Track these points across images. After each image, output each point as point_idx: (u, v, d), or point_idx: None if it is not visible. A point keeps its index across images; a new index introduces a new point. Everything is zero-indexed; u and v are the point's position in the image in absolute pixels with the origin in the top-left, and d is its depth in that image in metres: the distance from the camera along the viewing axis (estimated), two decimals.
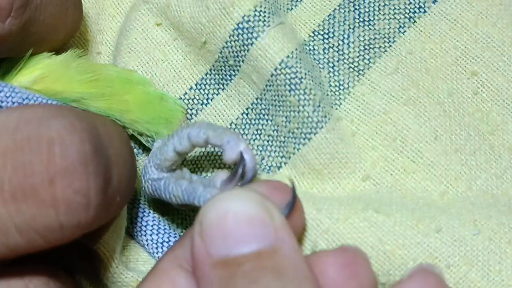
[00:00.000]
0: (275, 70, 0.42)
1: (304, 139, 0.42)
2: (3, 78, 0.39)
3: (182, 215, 0.45)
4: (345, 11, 0.46)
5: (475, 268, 0.38)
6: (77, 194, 0.33)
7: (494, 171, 0.42)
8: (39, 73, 0.39)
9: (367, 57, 0.45)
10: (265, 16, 0.43)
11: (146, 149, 0.46)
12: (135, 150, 0.46)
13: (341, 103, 0.44)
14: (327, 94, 0.44)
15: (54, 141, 0.33)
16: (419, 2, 0.46)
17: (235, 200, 0.34)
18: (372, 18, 0.45)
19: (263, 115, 0.45)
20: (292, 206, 0.37)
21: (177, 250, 0.38)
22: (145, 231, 0.44)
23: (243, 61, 0.44)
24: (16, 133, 0.33)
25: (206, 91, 0.46)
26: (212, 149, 0.45)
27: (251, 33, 0.43)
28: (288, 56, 0.42)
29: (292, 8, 0.46)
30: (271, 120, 0.44)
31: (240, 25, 0.43)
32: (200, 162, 0.45)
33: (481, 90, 0.44)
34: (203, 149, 0.45)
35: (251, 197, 0.34)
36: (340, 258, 0.36)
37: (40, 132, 0.33)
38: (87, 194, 0.33)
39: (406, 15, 0.45)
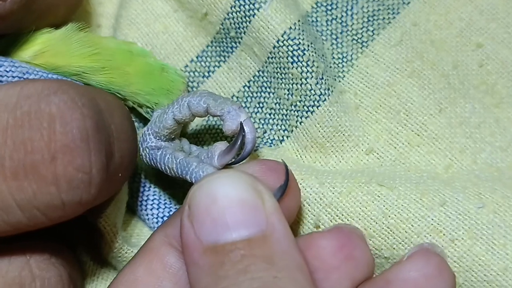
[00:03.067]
0: (277, 42, 0.42)
1: (306, 112, 0.42)
2: (3, 53, 0.38)
3: (184, 189, 0.45)
4: None
5: (480, 242, 0.38)
6: (79, 171, 0.32)
7: (499, 144, 0.42)
8: (39, 48, 0.38)
9: (371, 28, 0.44)
10: None
11: (146, 123, 0.45)
12: (135, 124, 0.45)
13: (344, 76, 0.43)
14: (330, 67, 0.43)
15: (55, 117, 0.32)
16: None
17: (225, 182, 0.32)
18: None
19: (265, 87, 0.44)
20: (284, 189, 0.36)
21: (168, 228, 0.37)
22: (145, 206, 0.44)
23: (244, 32, 0.43)
24: (16, 109, 0.32)
25: (207, 64, 0.45)
26: (213, 122, 0.44)
27: (253, 4, 0.42)
28: (290, 28, 0.42)
29: None
30: (273, 93, 0.43)
31: None
32: (201, 135, 0.45)
33: (486, 63, 0.43)
34: (204, 122, 0.45)
35: (243, 180, 0.33)
36: (335, 240, 0.36)
37: (41, 108, 0.32)
38: (88, 171, 0.32)
39: None
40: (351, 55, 0.44)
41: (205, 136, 0.45)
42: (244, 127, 0.37)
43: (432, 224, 0.38)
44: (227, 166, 0.38)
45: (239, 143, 0.37)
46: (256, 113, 0.44)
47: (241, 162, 0.38)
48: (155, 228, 0.42)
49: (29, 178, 0.32)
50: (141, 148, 0.40)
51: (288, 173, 0.36)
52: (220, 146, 0.39)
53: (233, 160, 0.38)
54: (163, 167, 0.39)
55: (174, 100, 0.40)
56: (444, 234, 0.38)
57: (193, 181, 0.37)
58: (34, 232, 0.34)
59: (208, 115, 0.39)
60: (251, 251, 0.31)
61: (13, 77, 0.37)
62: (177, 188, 0.45)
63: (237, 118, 0.37)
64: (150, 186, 0.44)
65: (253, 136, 0.37)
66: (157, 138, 0.40)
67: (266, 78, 0.44)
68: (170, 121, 0.39)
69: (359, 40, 0.44)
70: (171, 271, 0.36)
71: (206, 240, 0.31)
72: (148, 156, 0.40)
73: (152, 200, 0.44)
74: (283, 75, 0.42)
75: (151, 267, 0.36)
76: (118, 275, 0.37)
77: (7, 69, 0.37)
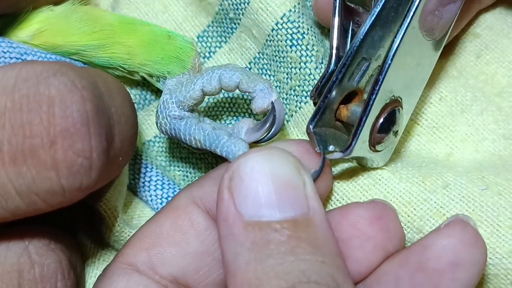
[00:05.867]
0: (276, 24, 0.39)
1: (305, 97, 0.39)
2: (1, 34, 0.36)
3: (184, 171, 0.42)
4: None
5: (484, 225, 0.35)
6: (79, 156, 0.30)
7: (502, 131, 0.39)
8: (38, 27, 0.36)
9: None
10: None
11: (145, 105, 0.43)
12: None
13: None
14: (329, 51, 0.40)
15: (54, 100, 0.29)
16: None
17: (273, 160, 0.30)
18: None
19: (266, 70, 0.41)
20: (319, 174, 0.34)
21: (194, 190, 0.35)
22: (148, 187, 0.41)
23: (243, 14, 0.40)
24: (14, 92, 0.29)
25: (209, 44, 0.42)
26: (225, 100, 0.42)
27: None
28: (290, 10, 0.39)
29: None
30: (273, 76, 0.41)
31: None
32: (212, 109, 0.42)
33: (484, 53, 0.41)
34: (216, 99, 0.42)
35: (289, 160, 0.31)
36: (372, 211, 0.34)
37: (40, 90, 0.29)
38: (89, 156, 0.30)
39: None
40: None
41: (217, 111, 0.42)
42: (275, 107, 0.35)
43: (435, 207, 0.35)
44: (253, 143, 0.36)
45: (270, 122, 0.35)
46: None
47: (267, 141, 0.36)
48: (158, 209, 0.40)
49: (28, 163, 0.29)
50: (160, 116, 0.38)
51: (324, 159, 0.34)
52: (247, 122, 0.37)
53: (261, 138, 0.36)
54: (186, 138, 0.37)
55: (187, 68, 0.38)
56: (447, 218, 0.35)
57: (223, 154, 0.35)
58: (34, 217, 0.32)
59: (236, 90, 0.37)
60: (297, 233, 0.29)
61: (11, 58, 0.35)
62: (178, 171, 0.43)
63: (269, 97, 0.35)
64: (153, 167, 0.42)
65: (283, 116, 0.35)
66: (180, 107, 0.37)
67: (266, 60, 0.41)
68: (198, 92, 0.37)
69: None
70: (198, 229, 0.34)
71: (249, 215, 0.30)
72: (168, 125, 0.37)
73: (156, 181, 0.42)
74: (281, 58, 0.39)
75: (178, 223, 0.35)
76: (142, 228, 0.35)
77: (5, 50, 0.34)
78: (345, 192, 0.37)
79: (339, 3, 0.36)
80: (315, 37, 0.39)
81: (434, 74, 0.39)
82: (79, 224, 0.40)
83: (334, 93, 0.35)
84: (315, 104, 0.36)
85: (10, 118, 0.29)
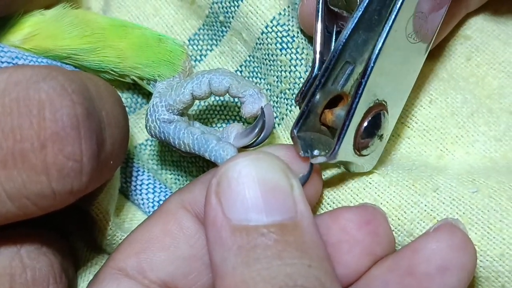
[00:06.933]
0: (266, 27, 0.38)
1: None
2: None
3: (175, 175, 0.42)
4: None
5: (475, 227, 0.35)
6: (69, 160, 0.29)
7: (493, 133, 0.38)
8: (29, 31, 0.36)
9: None
10: None
11: (136, 109, 0.43)
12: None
13: None
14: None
15: (44, 104, 0.29)
16: None
17: (260, 165, 0.30)
18: None
19: (256, 73, 0.41)
20: (306, 179, 0.34)
21: (184, 194, 0.35)
22: (140, 190, 0.41)
23: (232, 17, 0.40)
24: (5, 96, 0.29)
25: (200, 47, 0.42)
26: (215, 102, 0.41)
27: None
28: (280, 14, 0.38)
29: None
30: (264, 79, 0.40)
31: None
32: (203, 113, 0.42)
33: (475, 55, 0.40)
34: (207, 103, 0.41)
35: (277, 164, 0.30)
36: (361, 215, 0.34)
37: (30, 95, 0.29)
38: (79, 159, 0.30)
39: None
40: None
41: (207, 114, 0.42)
42: (265, 112, 0.35)
43: (425, 210, 0.35)
44: (242, 148, 0.36)
45: (259, 127, 0.35)
46: None
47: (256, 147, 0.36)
48: (150, 212, 0.40)
49: (19, 167, 0.29)
50: (149, 120, 0.37)
51: (312, 164, 0.34)
52: (237, 127, 0.36)
53: (250, 143, 0.36)
54: (176, 142, 0.36)
55: (177, 71, 0.38)
56: (437, 220, 0.35)
57: (212, 159, 0.35)
58: (26, 221, 0.32)
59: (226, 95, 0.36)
60: (284, 237, 0.29)
61: (2, 62, 0.34)
62: (169, 174, 0.42)
63: (259, 102, 0.35)
64: (144, 171, 0.42)
65: (272, 122, 0.35)
66: (170, 111, 0.37)
67: (257, 63, 0.41)
68: (188, 96, 0.36)
69: None
70: (187, 234, 0.34)
71: (236, 220, 0.29)
72: (158, 129, 0.37)
73: (147, 185, 0.41)
74: (272, 61, 0.39)
75: (168, 228, 0.34)
76: (132, 233, 0.35)
77: None
78: (336, 196, 0.36)
79: (322, 7, 0.36)
80: (305, 40, 0.39)
81: (424, 76, 0.39)
82: (72, 227, 0.39)
83: (318, 97, 0.34)
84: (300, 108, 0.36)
85: (0, 122, 0.29)
